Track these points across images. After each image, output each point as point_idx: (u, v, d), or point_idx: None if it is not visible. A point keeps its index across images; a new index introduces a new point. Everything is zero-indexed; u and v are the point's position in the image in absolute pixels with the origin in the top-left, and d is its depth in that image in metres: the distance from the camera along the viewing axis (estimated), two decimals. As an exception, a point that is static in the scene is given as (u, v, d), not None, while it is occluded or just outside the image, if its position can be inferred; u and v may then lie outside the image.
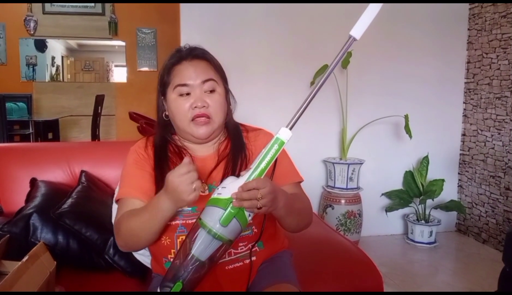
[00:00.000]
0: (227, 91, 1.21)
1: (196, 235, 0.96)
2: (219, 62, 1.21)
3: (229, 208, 0.94)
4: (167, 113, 1.20)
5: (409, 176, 3.20)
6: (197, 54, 1.18)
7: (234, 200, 0.94)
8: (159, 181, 1.14)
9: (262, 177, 0.96)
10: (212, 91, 1.15)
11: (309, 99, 0.99)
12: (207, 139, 1.19)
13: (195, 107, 1.12)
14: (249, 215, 0.97)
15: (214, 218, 0.94)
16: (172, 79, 1.15)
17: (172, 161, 1.18)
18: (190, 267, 0.96)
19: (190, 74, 1.14)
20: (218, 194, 0.97)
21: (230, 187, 0.96)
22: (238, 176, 1.01)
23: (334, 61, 0.98)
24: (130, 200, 1.13)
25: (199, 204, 1.10)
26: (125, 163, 1.21)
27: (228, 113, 1.22)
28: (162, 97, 1.20)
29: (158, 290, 1.00)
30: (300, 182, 1.24)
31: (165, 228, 1.13)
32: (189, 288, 0.98)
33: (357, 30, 0.96)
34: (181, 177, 0.94)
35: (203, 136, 1.16)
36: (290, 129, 0.98)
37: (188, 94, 1.14)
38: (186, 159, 0.97)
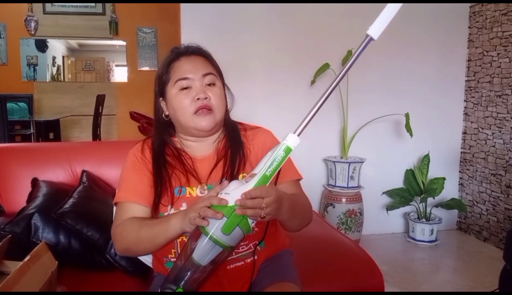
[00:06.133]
0: (224, 87, 1.21)
1: (197, 240, 0.95)
2: (214, 59, 1.22)
3: (232, 216, 0.91)
4: (166, 113, 1.19)
5: (410, 175, 3.20)
6: (194, 50, 1.18)
7: (237, 208, 0.92)
8: (158, 185, 1.14)
9: (267, 184, 0.94)
10: (212, 85, 1.16)
11: (320, 103, 0.94)
12: (210, 132, 1.18)
13: (198, 99, 1.12)
14: (252, 222, 0.95)
15: (216, 225, 0.92)
16: (172, 76, 1.15)
17: (170, 164, 1.17)
18: (191, 270, 0.95)
19: (190, 68, 1.14)
20: None
21: (233, 193, 0.93)
22: (237, 178, 1.00)
23: (349, 62, 0.93)
24: (128, 204, 1.14)
25: None
26: (123, 167, 1.21)
27: (226, 110, 1.22)
28: (161, 98, 1.20)
29: (159, 291, 1.00)
30: (299, 180, 1.24)
31: None
32: (190, 291, 0.97)
33: (376, 29, 0.90)
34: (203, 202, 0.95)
35: (206, 127, 1.15)
36: (298, 135, 0.94)
37: (188, 88, 1.14)
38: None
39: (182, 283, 0.95)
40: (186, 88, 1.14)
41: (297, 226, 1.17)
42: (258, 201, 0.92)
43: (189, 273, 0.95)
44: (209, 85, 1.15)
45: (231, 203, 0.93)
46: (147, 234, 1.07)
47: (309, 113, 0.95)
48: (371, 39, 0.91)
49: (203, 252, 0.93)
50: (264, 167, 0.94)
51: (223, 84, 1.21)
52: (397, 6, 0.90)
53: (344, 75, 0.94)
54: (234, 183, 0.97)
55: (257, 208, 0.92)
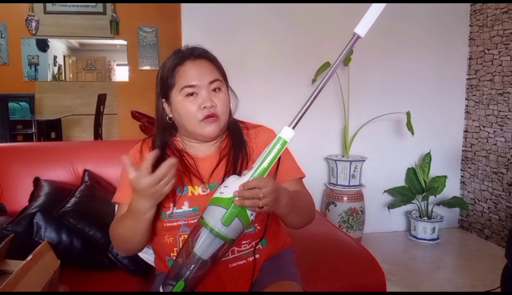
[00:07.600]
0: (228, 90, 1.21)
1: (198, 234, 0.96)
2: (218, 60, 1.21)
3: (231, 207, 0.94)
4: (170, 116, 1.18)
5: (411, 173, 3.20)
6: (200, 54, 1.17)
7: (235, 199, 0.94)
8: None
9: (264, 176, 0.96)
10: (217, 90, 1.15)
11: (312, 97, 0.99)
12: (214, 138, 1.19)
13: (204, 107, 1.11)
14: (251, 214, 0.97)
15: (216, 217, 0.94)
16: (177, 81, 1.13)
17: None
18: (192, 266, 0.96)
19: (196, 75, 1.13)
20: (220, 193, 0.97)
21: (232, 186, 0.96)
22: (240, 175, 1.01)
23: (338, 59, 0.98)
24: (125, 205, 1.13)
25: (201, 204, 1.10)
26: (122, 167, 1.20)
27: (229, 113, 1.22)
28: (163, 100, 1.19)
29: (161, 289, 1.00)
30: (302, 178, 1.24)
31: (168, 228, 1.13)
32: (191, 286, 0.98)
33: (362, 28, 0.94)
34: (154, 187, 0.96)
35: (212, 134, 1.15)
36: (293, 128, 0.98)
37: (194, 94, 1.13)
38: (168, 163, 0.96)
39: (183, 278, 0.96)
40: (192, 94, 1.13)
41: (299, 223, 1.17)
42: (255, 191, 0.93)
43: (190, 269, 0.96)
44: (214, 90, 1.14)
45: (229, 194, 0.95)
46: (127, 231, 1.10)
47: (303, 107, 0.99)
48: (359, 37, 0.96)
49: (204, 246, 0.95)
50: (261, 160, 0.97)
51: (227, 87, 1.21)
52: (381, 6, 0.94)
53: (335, 69, 0.99)
54: (232, 177, 1.00)
55: (255, 198, 0.93)
